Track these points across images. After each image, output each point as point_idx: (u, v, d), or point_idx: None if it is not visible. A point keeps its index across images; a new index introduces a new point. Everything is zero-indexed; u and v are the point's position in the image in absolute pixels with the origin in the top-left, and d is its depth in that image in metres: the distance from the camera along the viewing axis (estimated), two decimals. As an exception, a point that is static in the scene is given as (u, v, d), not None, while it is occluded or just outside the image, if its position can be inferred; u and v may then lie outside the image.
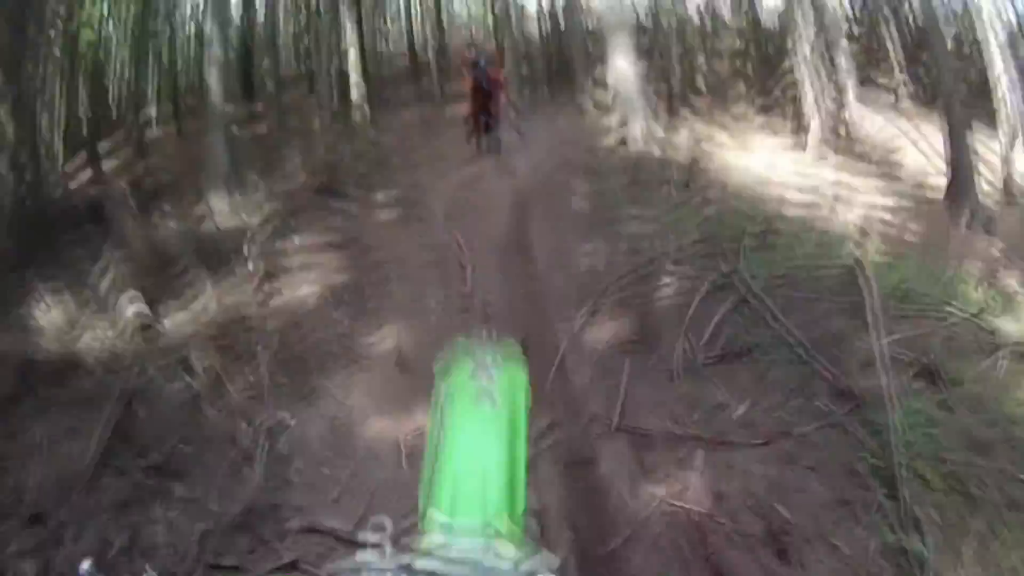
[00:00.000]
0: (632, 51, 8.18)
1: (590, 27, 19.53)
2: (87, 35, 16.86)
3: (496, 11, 18.82)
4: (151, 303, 5.17)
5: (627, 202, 5.85)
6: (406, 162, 8.08)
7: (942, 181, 9.27)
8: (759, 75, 15.48)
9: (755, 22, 17.66)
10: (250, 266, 5.77)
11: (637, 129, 7.76)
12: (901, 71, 15.30)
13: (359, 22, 13.94)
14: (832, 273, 4.76)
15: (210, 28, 8.35)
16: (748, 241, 5.00)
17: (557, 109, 12.54)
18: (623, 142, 7.84)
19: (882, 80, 15.67)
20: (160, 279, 5.72)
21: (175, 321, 4.99)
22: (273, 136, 10.30)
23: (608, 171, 6.58)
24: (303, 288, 5.13)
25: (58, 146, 14.40)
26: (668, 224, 5.31)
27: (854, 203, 7.78)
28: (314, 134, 9.91)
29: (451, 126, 10.33)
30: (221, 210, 7.29)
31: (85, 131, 14.97)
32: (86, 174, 12.77)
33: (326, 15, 15.97)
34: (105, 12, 16.37)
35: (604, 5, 8.27)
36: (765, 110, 14.38)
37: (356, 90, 13.28)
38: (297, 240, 6.08)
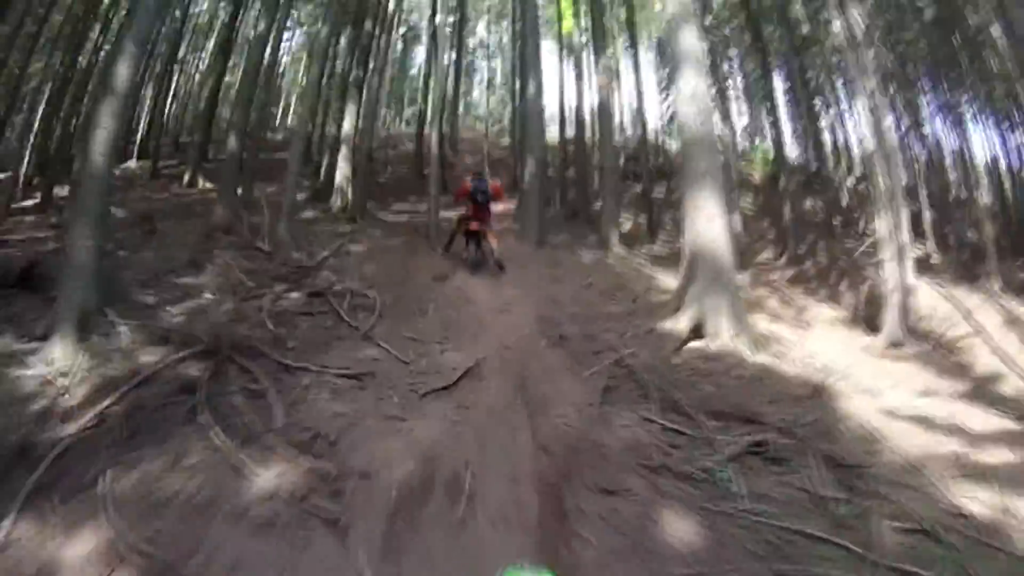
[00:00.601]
0: (720, 191, 5.14)
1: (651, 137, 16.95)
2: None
3: (515, 106, 16.17)
4: None
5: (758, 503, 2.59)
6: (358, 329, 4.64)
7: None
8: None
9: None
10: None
11: (722, 315, 4.61)
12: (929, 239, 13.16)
13: (360, 88, 10.86)
14: None
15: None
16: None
17: (576, 238, 9.48)
18: (697, 332, 4.65)
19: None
20: None
21: None
22: (191, 233, 7.01)
23: (704, 407, 3.33)
24: None
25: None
26: None
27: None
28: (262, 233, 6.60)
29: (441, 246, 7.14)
30: (54, 357, 3.95)
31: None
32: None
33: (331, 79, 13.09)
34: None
35: (691, 114, 5.23)
36: (810, 281, 11.75)
37: (342, 169, 10.13)
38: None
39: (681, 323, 4.77)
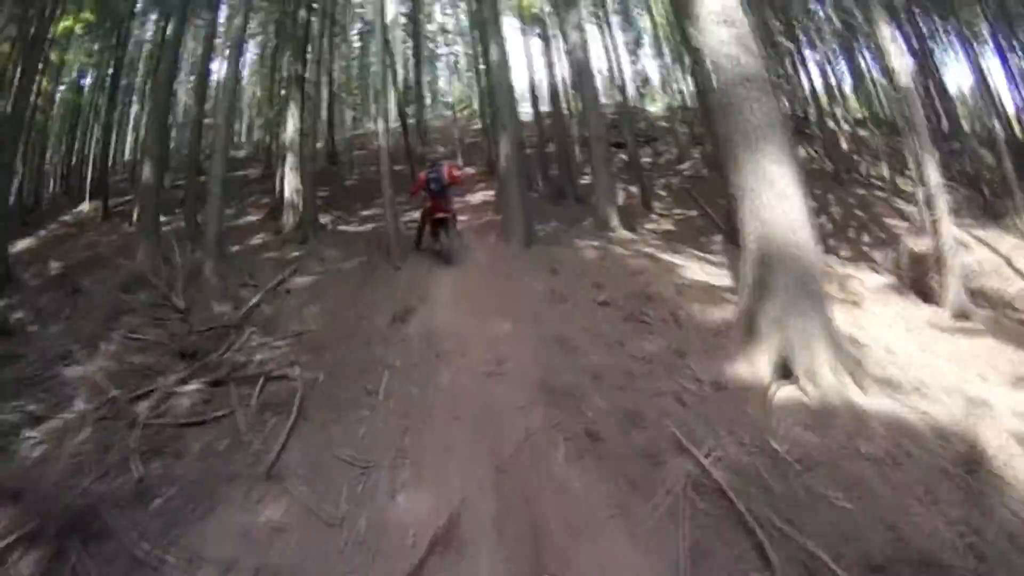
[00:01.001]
0: (792, 153, 3.35)
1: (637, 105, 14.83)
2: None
3: (483, 88, 14.09)
4: None
5: None
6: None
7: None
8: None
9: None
10: None
11: (816, 344, 2.88)
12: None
13: (302, 88, 8.86)
14: None
15: None
16: None
17: (569, 223, 7.71)
18: (783, 372, 2.94)
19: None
20: None
21: None
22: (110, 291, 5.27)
23: (849, 548, 1.66)
24: None
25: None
26: None
27: None
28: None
29: (409, 285, 5.31)
30: None
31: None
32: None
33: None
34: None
35: (725, 41, 3.40)
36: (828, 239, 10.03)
37: (290, 181, 8.26)
38: None
39: (759, 362, 3.03)
